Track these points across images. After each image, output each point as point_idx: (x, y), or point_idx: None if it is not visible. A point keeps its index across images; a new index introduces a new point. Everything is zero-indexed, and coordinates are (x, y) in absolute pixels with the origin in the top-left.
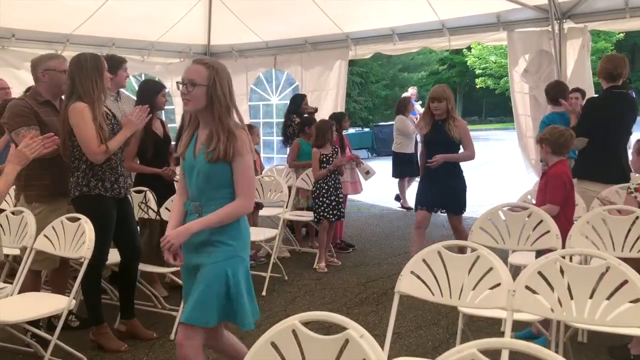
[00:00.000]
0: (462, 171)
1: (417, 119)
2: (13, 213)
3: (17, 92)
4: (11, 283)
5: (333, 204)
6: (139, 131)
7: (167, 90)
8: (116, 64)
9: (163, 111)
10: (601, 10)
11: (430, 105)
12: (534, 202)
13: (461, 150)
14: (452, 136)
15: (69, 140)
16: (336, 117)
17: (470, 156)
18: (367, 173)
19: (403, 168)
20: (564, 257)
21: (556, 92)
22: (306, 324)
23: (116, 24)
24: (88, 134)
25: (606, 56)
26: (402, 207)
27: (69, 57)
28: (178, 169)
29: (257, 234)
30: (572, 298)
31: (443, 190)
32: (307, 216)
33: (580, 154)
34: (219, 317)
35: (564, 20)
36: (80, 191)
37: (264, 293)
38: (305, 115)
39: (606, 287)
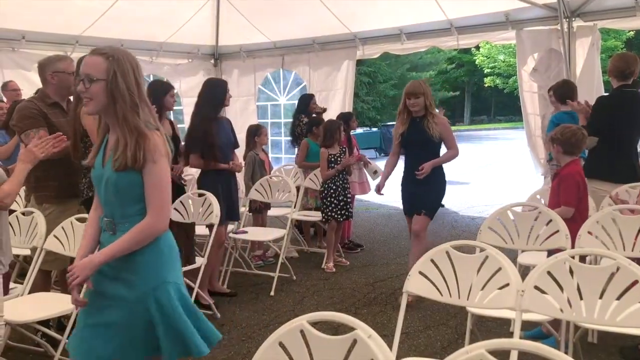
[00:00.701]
0: (444, 174)
1: None
2: (23, 214)
3: (27, 93)
4: (22, 283)
5: (341, 204)
6: None
7: (175, 91)
8: None
9: (172, 112)
10: (611, 8)
11: (406, 101)
12: (542, 201)
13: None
14: (431, 134)
15: (80, 142)
16: (344, 117)
17: (454, 155)
18: (375, 173)
19: None
20: (573, 257)
21: (563, 91)
22: (314, 324)
23: (125, 25)
24: None
25: (618, 55)
26: None
27: (78, 58)
28: (186, 169)
29: (266, 234)
30: (581, 298)
31: (423, 192)
32: (315, 216)
33: (590, 153)
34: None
35: (573, 19)
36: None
37: (272, 293)
38: (313, 115)
39: (616, 287)
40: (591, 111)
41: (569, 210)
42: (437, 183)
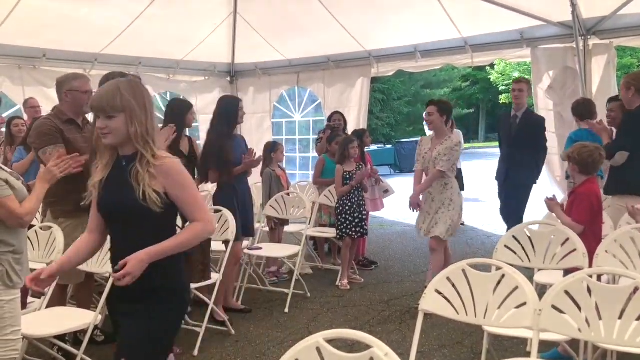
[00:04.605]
0: (183, 289)
1: None
2: (42, 229)
3: (47, 110)
4: (39, 298)
5: (356, 221)
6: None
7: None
8: None
9: (188, 129)
10: (627, 26)
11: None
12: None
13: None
14: (139, 195)
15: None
16: (357, 134)
17: (200, 233)
18: (386, 192)
19: None
20: (591, 276)
21: (583, 108)
22: (330, 341)
23: (143, 43)
24: None
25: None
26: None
27: (99, 75)
28: (202, 186)
29: (281, 250)
30: (600, 318)
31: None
32: (330, 233)
33: (616, 169)
34: None
35: (589, 37)
36: None
37: (286, 310)
38: (327, 127)
39: (636, 308)
40: (621, 126)
41: (577, 227)
42: (162, 305)
